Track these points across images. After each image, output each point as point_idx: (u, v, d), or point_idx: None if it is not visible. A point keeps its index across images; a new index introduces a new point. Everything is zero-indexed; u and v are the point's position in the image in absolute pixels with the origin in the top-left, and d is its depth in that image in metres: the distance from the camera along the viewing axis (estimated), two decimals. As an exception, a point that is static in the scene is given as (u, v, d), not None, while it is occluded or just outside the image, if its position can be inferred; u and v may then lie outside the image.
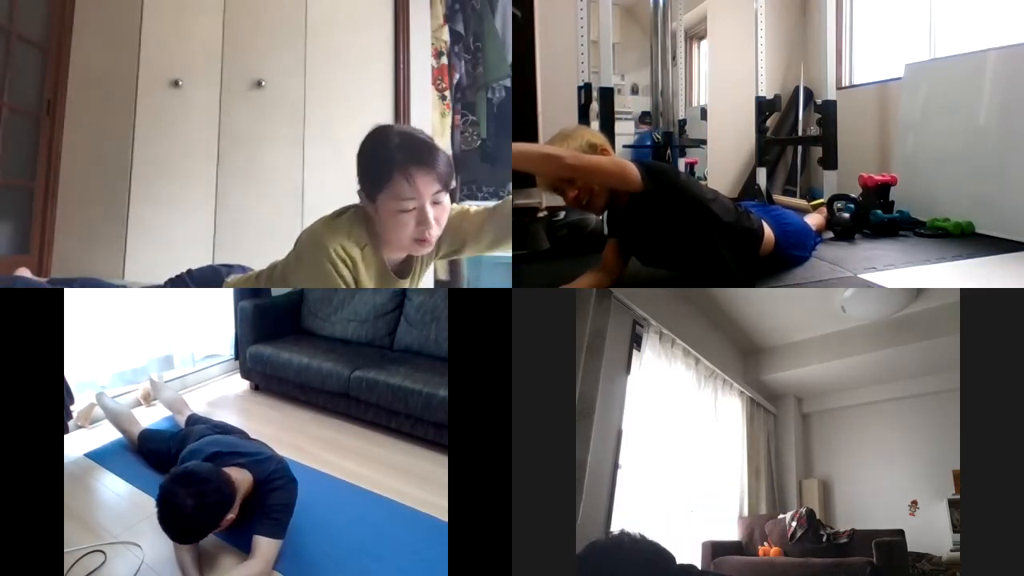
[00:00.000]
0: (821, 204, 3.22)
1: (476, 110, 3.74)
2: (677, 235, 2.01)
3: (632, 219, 2.04)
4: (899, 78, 3.58)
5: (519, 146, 1.92)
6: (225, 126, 3.37)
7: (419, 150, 1.63)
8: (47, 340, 1.59)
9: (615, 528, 1.75)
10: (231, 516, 1.78)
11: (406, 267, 1.81)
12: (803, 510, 2.46)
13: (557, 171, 1.92)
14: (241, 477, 1.85)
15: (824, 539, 2.35)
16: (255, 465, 1.91)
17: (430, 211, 1.62)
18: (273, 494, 1.86)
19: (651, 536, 1.45)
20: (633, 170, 1.90)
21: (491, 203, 1.83)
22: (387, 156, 1.61)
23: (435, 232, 1.66)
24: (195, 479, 1.75)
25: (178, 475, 1.77)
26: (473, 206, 1.83)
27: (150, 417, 2.90)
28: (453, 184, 1.78)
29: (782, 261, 2.33)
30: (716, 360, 2.57)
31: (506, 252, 1.89)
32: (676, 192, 1.96)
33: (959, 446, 1.54)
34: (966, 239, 2.82)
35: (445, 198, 1.66)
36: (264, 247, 2.18)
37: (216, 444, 2.04)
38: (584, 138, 2.02)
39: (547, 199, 3.28)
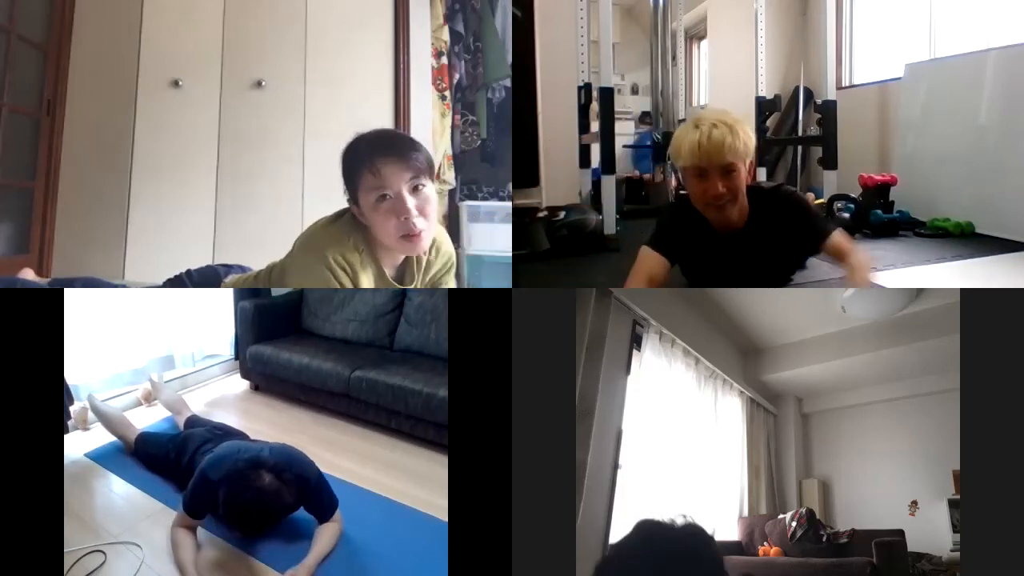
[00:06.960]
0: (821, 204, 3.22)
1: (476, 110, 3.74)
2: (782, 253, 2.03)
3: (741, 240, 1.97)
4: (899, 78, 3.58)
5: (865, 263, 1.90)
6: (225, 126, 3.37)
7: (385, 142, 1.63)
8: (47, 340, 1.59)
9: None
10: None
11: (405, 273, 1.81)
12: (803, 510, 2.46)
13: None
14: None
15: (824, 539, 2.35)
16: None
17: (408, 199, 1.57)
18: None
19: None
20: None
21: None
22: (358, 156, 1.62)
23: (420, 223, 1.59)
24: (270, 462, 1.82)
25: (250, 459, 1.81)
26: None
27: (150, 417, 2.90)
28: (434, 172, 1.77)
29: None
30: (716, 360, 2.57)
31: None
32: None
33: (959, 446, 1.54)
34: (966, 239, 2.82)
35: (426, 188, 1.61)
36: (264, 247, 2.18)
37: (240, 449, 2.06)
38: (750, 141, 1.84)
39: (547, 199, 3.28)
